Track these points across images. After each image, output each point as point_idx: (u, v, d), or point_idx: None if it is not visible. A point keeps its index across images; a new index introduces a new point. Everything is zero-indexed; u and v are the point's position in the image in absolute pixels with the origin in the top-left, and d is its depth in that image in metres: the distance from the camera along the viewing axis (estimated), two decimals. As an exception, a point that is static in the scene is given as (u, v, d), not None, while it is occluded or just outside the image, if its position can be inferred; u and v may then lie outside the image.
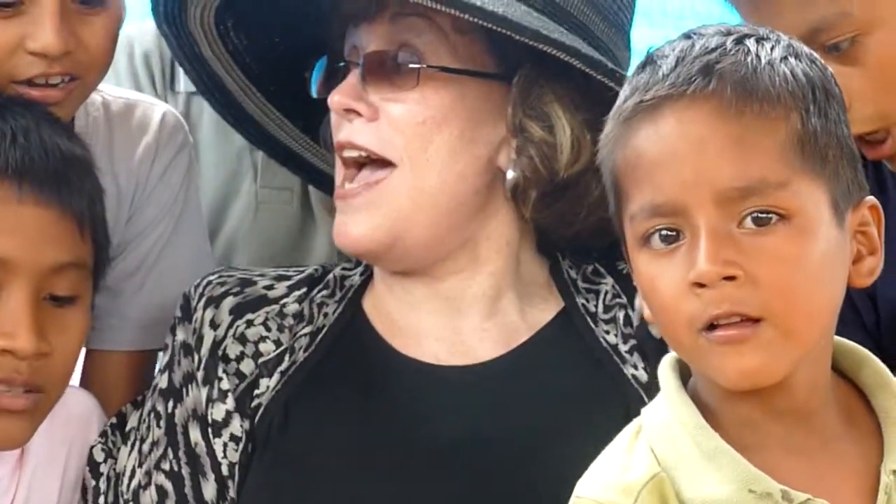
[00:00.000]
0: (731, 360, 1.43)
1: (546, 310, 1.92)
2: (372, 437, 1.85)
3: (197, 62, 2.08)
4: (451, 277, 1.91)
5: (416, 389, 1.89)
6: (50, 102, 1.92)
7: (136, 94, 2.17)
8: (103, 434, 1.95)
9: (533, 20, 1.79)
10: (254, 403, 1.87)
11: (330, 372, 1.90)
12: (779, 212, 1.43)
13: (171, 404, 1.92)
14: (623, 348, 1.88)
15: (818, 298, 1.47)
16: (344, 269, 2.01)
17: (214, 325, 1.92)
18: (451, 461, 1.82)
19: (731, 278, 1.41)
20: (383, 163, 1.83)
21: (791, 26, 1.73)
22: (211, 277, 1.98)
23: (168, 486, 1.88)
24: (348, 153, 1.85)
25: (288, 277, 1.98)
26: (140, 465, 1.91)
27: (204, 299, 1.94)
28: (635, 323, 1.91)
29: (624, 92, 1.54)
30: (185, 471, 1.87)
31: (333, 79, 1.89)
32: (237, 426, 1.86)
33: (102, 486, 1.92)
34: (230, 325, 1.91)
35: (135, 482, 1.90)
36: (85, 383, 2.06)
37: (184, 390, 1.92)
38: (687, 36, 1.53)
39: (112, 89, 2.12)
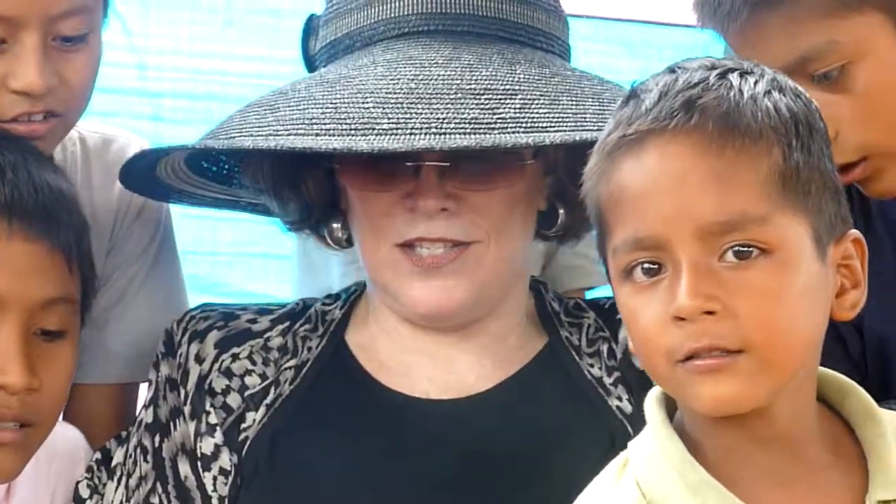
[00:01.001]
0: (707, 388, 1.43)
1: (532, 343, 1.93)
2: (359, 470, 1.84)
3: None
4: (480, 334, 1.90)
5: (404, 424, 1.88)
6: (34, 137, 1.91)
7: (111, 128, 2.17)
8: (89, 469, 1.93)
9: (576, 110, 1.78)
10: (241, 437, 1.87)
11: (315, 405, 1.90)
12: (760, 246, 1.42)
13: (157, 439, 1.91)
14: (607, 381, 1.88)
15: (799, 331, 1.46)
16: (324, 304, 2.00)
17: (200, 359, 1.91)
18: (440, 495, 1.81)
19: (710, 313, 1.41)
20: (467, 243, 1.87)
21: (780, 56, 1.75)
22: (193, 312, 1.98)
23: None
24: (433, 246, 1.79)
25: (270, 311, 1.98)
26: (128, 500, 1.90)
27: (188, 334, 1.94)
28: (618, 355, 1.90)
29: (608, 126, 1.52)
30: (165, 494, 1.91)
31: (388, 177, 1.81)
32: (226, 460, 1.85)
33: None
34: (215, 359, 1.91)
35: None
36: (69, 417, 2.04)
37: (171, 425, 1.91)
38: (671, 70, 1.52)
39: (87, 124, 2.11)
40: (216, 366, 1.91)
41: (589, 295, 2.35)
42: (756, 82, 1.49)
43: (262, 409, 1.88)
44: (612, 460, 1.59)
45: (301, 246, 2.42)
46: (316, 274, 2.40)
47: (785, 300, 1.43)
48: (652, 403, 1.56)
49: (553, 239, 1.99)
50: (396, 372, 1.90)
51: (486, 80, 1.77)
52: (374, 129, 1.73)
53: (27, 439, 1.82)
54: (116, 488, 1.91)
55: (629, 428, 1.77)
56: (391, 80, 1.78)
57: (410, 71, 1.78)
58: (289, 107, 1.84)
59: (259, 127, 1.84)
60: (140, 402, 2.10)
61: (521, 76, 1.81)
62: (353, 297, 2.01)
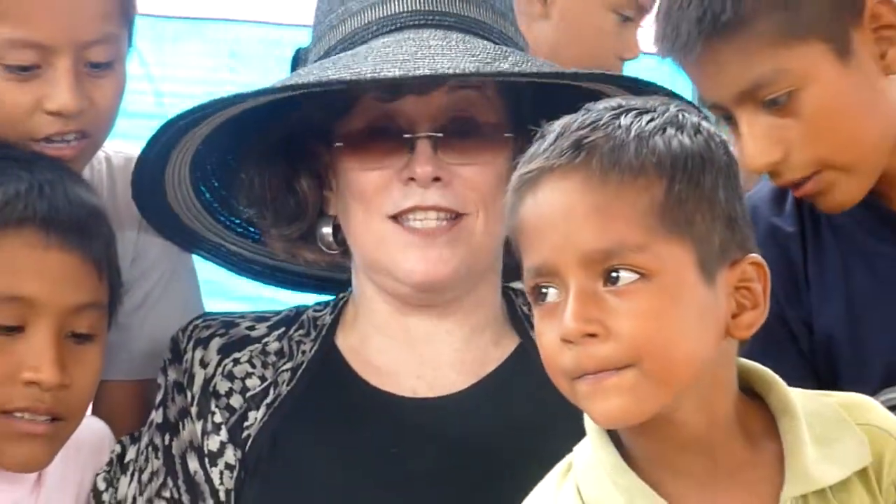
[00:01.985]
0: (597, 404, 1.48)
1: (505, 343, 1.99)
2: (353, 465, 1.90)
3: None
4: (457, 315, 1.96)
5: (393, 421, 1.94)
6: (64, 159, 1.98)
7: (133, 149, 2.17)
8: (109, 463, 1.99)
9: (544, 65, 1.91)
10: (244, 434, 1.93)
11: (311, 404, 1.95)
12: (638, 271, 1.47)
13: (167, 437, 1.97)
14: None
15: (683, 348, 1.49)
16: (315, 310, 2.05)
17: (204, 364, 1.97)
18: (427, 485, 1.87)
19: (593, 335, 1.46)
20: (453, 215, 1.92)
21: (733, 84, 1.83)
22: (196, 321, 2.03)
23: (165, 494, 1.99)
24: (425, 216, 1.87)
25: (266, 318, 2.03)
26: (141, 494, 1.96)
27: (192, 341, 1.99)
28: None
29: (521, 164, 1.59)
30: (185, 497, 1.92)
31: (385, 150, 1.88)
32: (231, 455, 1.91)
33: None
34: (218, 364, 1.97)
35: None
36: (95, 410, 2.09)
37: (179, 424, 1.97)
38: (584, 110, 1.58)
39: (111, 145, 2.16)
40: (219, 370, 1.97)
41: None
42: (650, 121, 1.53)
43: (262, 409, 1.94)
44: (556, 466, 1.64)
45: None
46: None
47: (664, 320, 1.47)
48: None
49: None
50: (385, 371, 1.96)
51: (478, 49, 1.84)
52: (383, 71, 1.77)
53: (58, 432, 1.89)
54: (129, 482, 1.96)
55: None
56: (395, 49, 1.83)
57: (411, 46, 1.84)
58: (310, 72, 1.87)
59: (278, 88, 1.87)
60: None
61: (506, 50, 1.89)
62: (341, 303, 2.05)
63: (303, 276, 2.22)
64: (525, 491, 1.67)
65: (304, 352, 1.99)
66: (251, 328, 2.01)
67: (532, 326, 1.96)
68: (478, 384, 1.94)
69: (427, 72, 1.78)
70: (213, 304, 2.30)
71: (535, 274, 1.54)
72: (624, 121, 1.52)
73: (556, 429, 1.82)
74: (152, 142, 1.95)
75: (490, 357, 1.96)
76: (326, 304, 2.06)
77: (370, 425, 1.94)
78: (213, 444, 1.92)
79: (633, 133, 1.51)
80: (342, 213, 1.96)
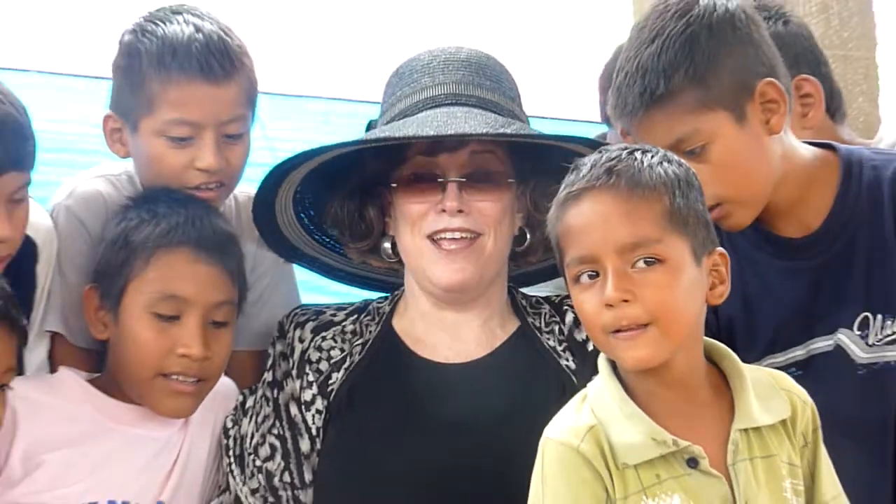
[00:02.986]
0: (629, 352, 1.64)
1: (510, 325, 2.10)
2: (405, 411, 2.00)
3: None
4: (480, 308, 2.07)
5: (433, 380, 2.04)
6: (208, 200, 2.13)
7: (252, 190, 2.22)
8: (235, 409, 2.11)
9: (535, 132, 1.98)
10: (329, 389, 2.04)
11: (375, 368, 2.05)
12: (657, 258, 1.63)
13: (275, 391, 2.09)
14: (559, 349, 2.07)
15: (685, 312, 1.65)
16: (378, 302, 2.15)
17: (301, 340, 2.10)
18: (458, 426, 1.97)
19: (626, 301, 1.61)
20: (475, 234, 1.97)
21: (663, 139, 1.89)
22: (296, 310, 2.14)
23: (277, 443, 2.06)
24: (452, 233, 2.00)
25: (344, 308, 2.13)
26: (257, 430, 2.08)
27: (293, 324, 2.12)
28: (565, 332, 2.09)
29: (561, 189, 1.72)
30: (287, 433, 2.04)
31: (424, 188, 2.02)
32: (319, 404, 2.04)
33: (231, 443, 2.08)
34: (311, 340, 2.10)
35: (254, 441, 2.07)
36: (226, 372, 2.17)
37: (283, 382, 2.08)
38: (599, 151, 1.73)
39: (239, 187, 2.26)
40: (312, 344, 2.09)
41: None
42: (652, 157, 1.69)
43: (341, 371, 2.06)
44: (574, 396, 1.72)
45: None
46: None
47: (674, 291, 1.63)
48: (602, 360, 1.71)
49: (517, 257, 2.13)
50: (426, 345, 2.06)
51: (490, 119, 1.96)
52: (424, 131, 1.93)
53: (201, 390, 2.05)
54: (249, 422, 2.08)
55: (574, 379, 1.96)
56: (432, 119, 1.95)
57: (443, 117, 1.95)
58: (373, 133, 1.99)
59: (345, 143, 1.99)
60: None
61: (510, 121, 1.99)
62: (396, 297, 2.13)
63: (369, 278, 2.29)
64: (517, 430, 1.80)
65: (370, 331, 2.09)
66: (334, 315, 2.12)
67: (528, 313, 2.12)
68: (490, 354, 2.05)
69: (451, 132, 1.89)
70: (307, 298, 2.41)
71: (579, 262, 1.66)
72: (637, 156, 1.68)
73: (539, 384, 1.99)
74: (264, 183, 2.06)
75: (498, 336, 2.07)
76: (386, 297, 2.15)
77: (415, 382, 2.03)
78: (307, 395, 2.04)
79: (645, 164, 1.66)
80: (397, 233, 2.06)
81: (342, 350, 2.08)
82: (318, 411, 2.04)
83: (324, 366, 2.07)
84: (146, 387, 2.02)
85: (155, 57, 2.04)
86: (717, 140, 1.93)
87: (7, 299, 1.85)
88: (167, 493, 2.06)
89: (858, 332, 2.01)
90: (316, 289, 2.42)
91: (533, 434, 1.67)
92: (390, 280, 2.22)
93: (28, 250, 2.06)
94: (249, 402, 2.10)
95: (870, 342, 2.00)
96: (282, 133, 2.55)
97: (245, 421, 2.09)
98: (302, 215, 2.18)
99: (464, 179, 1.97)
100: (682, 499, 1.61)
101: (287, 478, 2.02)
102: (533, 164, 2.03)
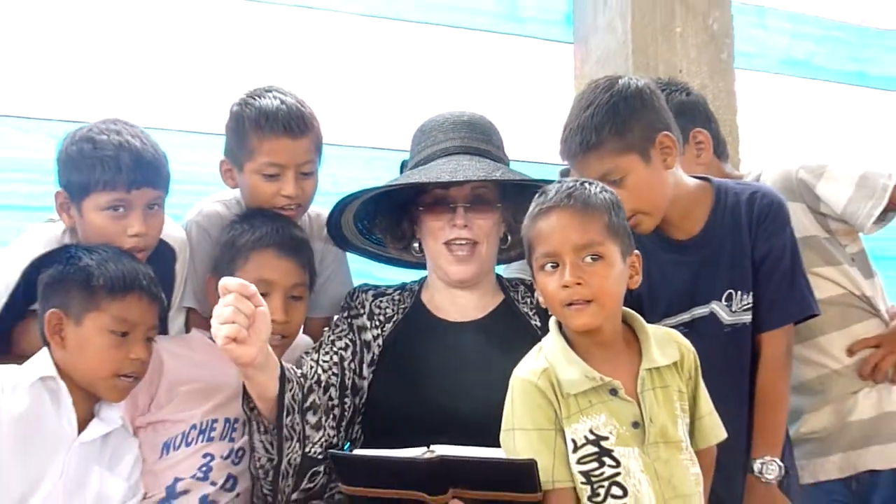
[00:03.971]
0: (578, 319, 1.66)
1: (498, 297, 2.11)
2: (426, 353, 2.00)
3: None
4: (478, 288, 2.10)
5: (447, 333, 2.04)
6: (290, 216, 2.17)
7: (322, 209, 2.25)
8: (306, 353, 2.08)
9: (515, 175, 1.98)
10: (383, 332, 2.06)
11: (410, 324, 2.06)
12: (599, 255, 1.65)
13: (350, 320, 2.09)
14: (530, 314, 2.07)
15: (615, 293, 1.67)
16: (412, 283, 2.14)
17: (363, 304, 2.09)
18: (466, 365, 1.97)
19: (579, 284, 1.63)
20: (475, 242, 1.98)
21: (594, 174, 1.90)
22: (360, 286, 2.16)
23: (350, 344, 2.05)
24: (460, 241, 2.01)
25: (390, 288, 2.14)
26: (334, 334, 2.06)
27: (360, 292, 2.12)
28: (534, 304, 2.06)
29: (532, 205, 1.72)
30: (357, 354, 2.03)
31: (441, 211, 2.04)
32: (377, 344, 2.04)
33: (305, 368, 1.97)
34: (373, 301, 2.10)
35: (332, 337, 2.06)
36: (304, 332, 2.17)
37: (356, 318, 2.08)
38: (560, 182, 1.74)
39: (311, 207, 2.26)
40: (371, 306, 2.10)
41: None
42: (596, 187, 1.71)
43: (389, 325, 2.07)
44: (534, 347, 1.74)
45: None
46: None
47: (609, 280, 1.65)
48: (552, 322, 1.72)
49: (502, 252, 2.11)
50: (441, 310, 2.08)
51: (487, 165, 1.97)
52: (442, 177, 1.93)
53: (284, 343, 2.05)
54: (318, 353, 2.03)
55: (539, 334, 1.89)
56: (445, 167, 1.96)
57: (454, 165, 1.96)
58: (407, 176, 2.01)
59: (391, 184, 2.02)
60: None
61: (499, 165, 2.00)
62: (423, 280, 2.14)
63: (399, 260, 2.27)
64: (502, 364, 1.75)
65: (407, 301, 2.10)
66: (385, 290, 2.13)
67: (509, 290, 2.08)
68: (484, 316, 2.06)
69: (461, 178, 1.92)
70: (356, 281, 2.34)
71: (544, 256, 1.65)
72: (587, 186, 1.69)
73: (517, 336, 1.97)
74: (335, 208, 2.08)
75: (489, 304, 2.08)
76: (416, 282, 2.14)
77: (435, 333, 2.04)
78: (368, 337, 2.05)
79: (592, 192, 1.67)
80: (423, 239, 2.08)
81: (392, 311, 2.08)
82: (377, 345, 2.03)
83: (381, 318, 2.07)
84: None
85: (254, 121, 2.08)
86: (630, 174, 1.95)
87: (151, 280, 1.87)
88: (266, 412, 1.89)
89: (725, 304, 2.04)
90: (363, 275, 2.40)
91: (510, 369, 1.68)
92: (412, 261, 2.23)
93: (169, 254, 2.09)
94: (326, 335, 2.11)
95: (733, 310, 2.04)
96: (339, 171, 2.57)
97: (313, 355, 2.05)
98: (359, 224, 2.18)
99: (468, 205, 2.00)
100: (606, 417, 1.63)
101: (352, 365, 1.98)
102: (512, 193, 2.04)
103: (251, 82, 2.15)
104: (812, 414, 2.17)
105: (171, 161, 2.00)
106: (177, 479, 1.97)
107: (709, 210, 2.01)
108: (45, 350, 1.78)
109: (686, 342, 1.74)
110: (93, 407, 1.83)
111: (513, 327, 2.00)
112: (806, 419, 2.17)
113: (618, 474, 1.59)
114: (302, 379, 1.83)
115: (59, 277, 1.81)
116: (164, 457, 1.97)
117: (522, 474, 1.56)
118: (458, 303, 2.03)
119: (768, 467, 1.90)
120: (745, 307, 1.99)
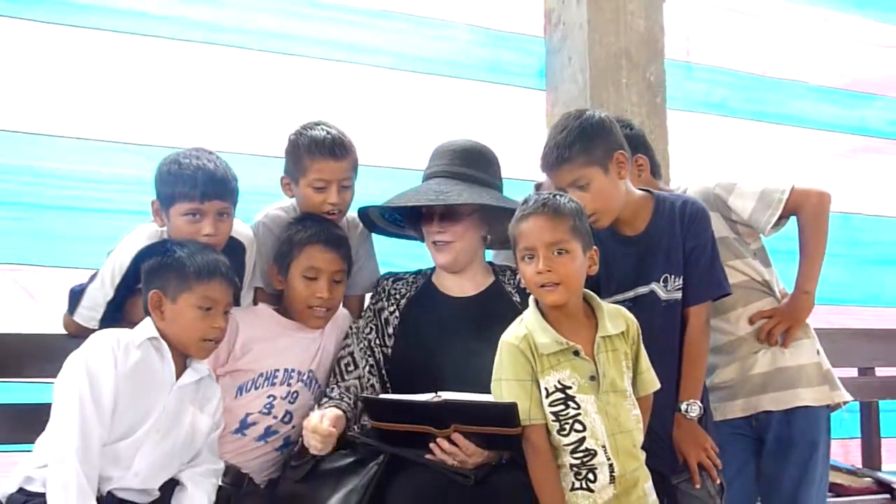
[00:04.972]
0: (549, 297, 1.65)
1: (489, 279, 2.06)
2: (437, 321, 1.96)
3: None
4: (467, 271, 2.06)
5: (450, 306, 2.00)
6: (333, 220, 2.10)
7: (352, 213, 2.14)
8: (350, 327, 2.06)
9: (501, 199, 1.95)
10: (400, 306, 2.02)
11: (421, 299, 2.02)
12: (566, 250, 1.64)
13: (376, 316, 2.05)
14: (514, 293, 2.03)
15: (577, 279, 1.66)
16: (426, 270, 2.10)
17: (384, 289, 2.05)
18: (462, 327, 1.94)
19: (549, 271, 1.62)
20: (448, 241, 1.94)
21: (566, 182, 1.88)
22: (385, 274, 2.12)
23: (374, 327, 2.03)
24: (440, 241, 2.00)
25: (409, 272, 2.09)
26: (363, 323, 2.02)
27: (384, 280, 2.09)
28: (517, 285, 2.03)
29: (517, 211, 1.70)
30: (379, 331, 2.00)
31: (423, 219, 2.01)
32: (395, 318, 2.01)
33: (352, 330, 1.99)
34: (389, 287, 2.06)
35: (361, 325, 2.03)
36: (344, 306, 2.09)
37: (379, 304, 2.05)
38: (537, 193, 1.72)
39: (349, 212, 2.13)
40: (393, 286, 2.06)
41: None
42: (563, 198, 1.70)
43: (404, 301, 2.02)
44: (516, 318, 1.72)
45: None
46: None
47: (573, 269, 1.65)
48: (531, 300, 1.70)
49: (490, 244, 2.08)
50: (447, 288, 2.04)
51: (472, 189, 1.93)
52: (428, 197, 1.91)
53: (328, 315, 2.02)
54: (355, 346, 2.02)
55: (520, 308, 1.83)
56: (435, 188, 1.94)
57: (443, 186, 1.93)
58: (405, 194, 1.99)
59: (397, 198, 1.99)
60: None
61: (481, 189, 1.96)
62: (433, 267, 2.08)
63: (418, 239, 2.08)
64: (492, 333, 1.72)
65: (420, 282, 2.06)
66: (404, 275, 2.08)
67: (498, 274, 2.02)
68: (479, 293, 2.01)
69: (424, 202, 1.93)
70: (383, 266, 2.27)
71: (524, 249, 1.64)
72: (558, 198, 1.68)
73: (503, 310, 1.92)
74: (362, 210, 2.08)
75: (482, 284, 2.03)
76: (429, 268, 2.09)
77: (442, 306, 2.00)
78: (386, 313, 2.02)
79: (561, 202, 1.66)
80: (424, 237, 2.05)
81: (406, 289, 2.04)
82: (395, 318, 1.99)
83: (397, 296, 2.03)
84: (302, 313, 2.00)
85: (307, 147, 2.05)
86: (593, 181, 1.91)
87: (228, 268, 1.83)
88: (314, 364, 2.05)
89: (662, 284, 1.99)
90: (386, 264, 2.34)
91: (497, 334, 1.68)
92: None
93: (240, 248, 2.04)
94: (360, 323, 2.05)
95: (667, 289, 1.99)
96: (369, 185, 2.43)
97: (358, 327, 2.02)
98: (386, 216, 2.14)
99: (442, 216, 1.97)
100: (570, 371, 1.64)
101: (378, 341, 1.96)
102: (488, 205, 1.97)
103: (300, 120, 2.15)
104: (723, 368, 2.15)
105: (243, 178, 1.96)
106: (247, 414, 1.95)
107: (651, 213, 1.98)
108: (148, 318, 1.78)
109: (631, 316, 1.73)
110: (185, 362, 1.82)
111: (500, 302, 1.97)
112: (719, 372, 2.15)
113: (579, 414, 1.61)
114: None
115: (158, 265, 1.80)
116: (239, 398, 1.94)
117: (507, 413, 1.59)
118: (457, 283, 2.01)
119: (692, 408, 1.90)
120: (676, 287, 1.96)
